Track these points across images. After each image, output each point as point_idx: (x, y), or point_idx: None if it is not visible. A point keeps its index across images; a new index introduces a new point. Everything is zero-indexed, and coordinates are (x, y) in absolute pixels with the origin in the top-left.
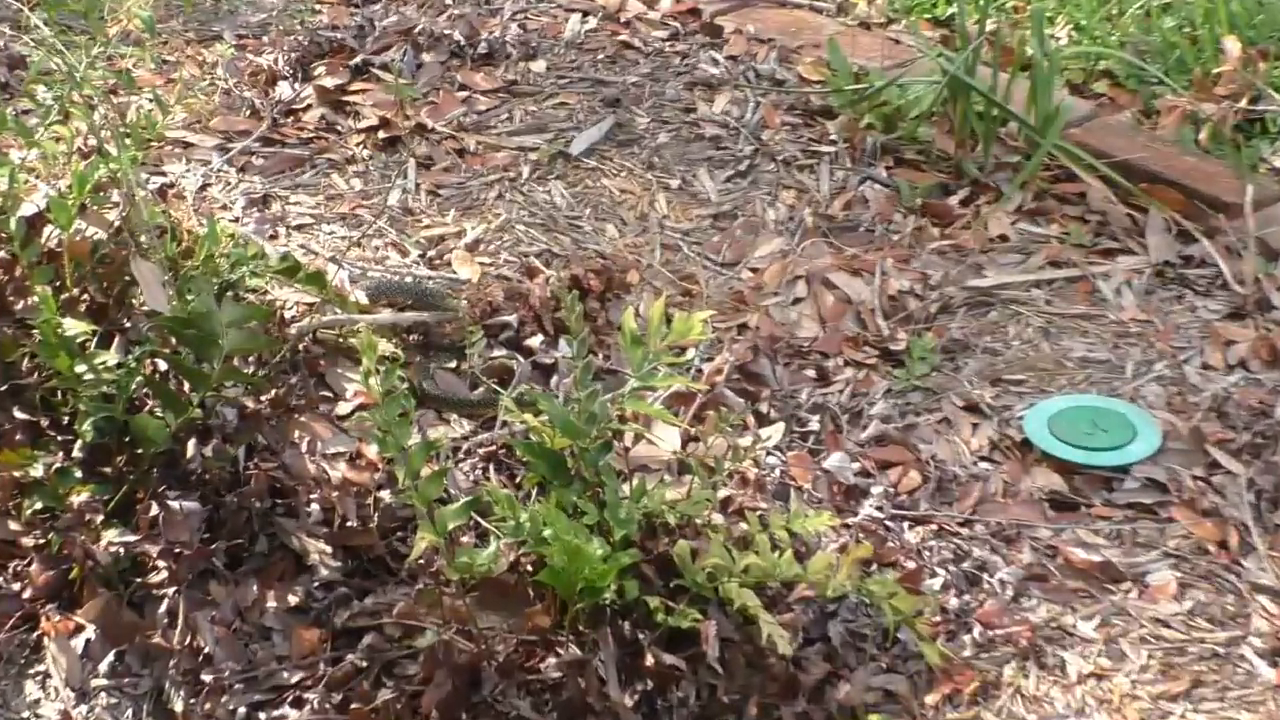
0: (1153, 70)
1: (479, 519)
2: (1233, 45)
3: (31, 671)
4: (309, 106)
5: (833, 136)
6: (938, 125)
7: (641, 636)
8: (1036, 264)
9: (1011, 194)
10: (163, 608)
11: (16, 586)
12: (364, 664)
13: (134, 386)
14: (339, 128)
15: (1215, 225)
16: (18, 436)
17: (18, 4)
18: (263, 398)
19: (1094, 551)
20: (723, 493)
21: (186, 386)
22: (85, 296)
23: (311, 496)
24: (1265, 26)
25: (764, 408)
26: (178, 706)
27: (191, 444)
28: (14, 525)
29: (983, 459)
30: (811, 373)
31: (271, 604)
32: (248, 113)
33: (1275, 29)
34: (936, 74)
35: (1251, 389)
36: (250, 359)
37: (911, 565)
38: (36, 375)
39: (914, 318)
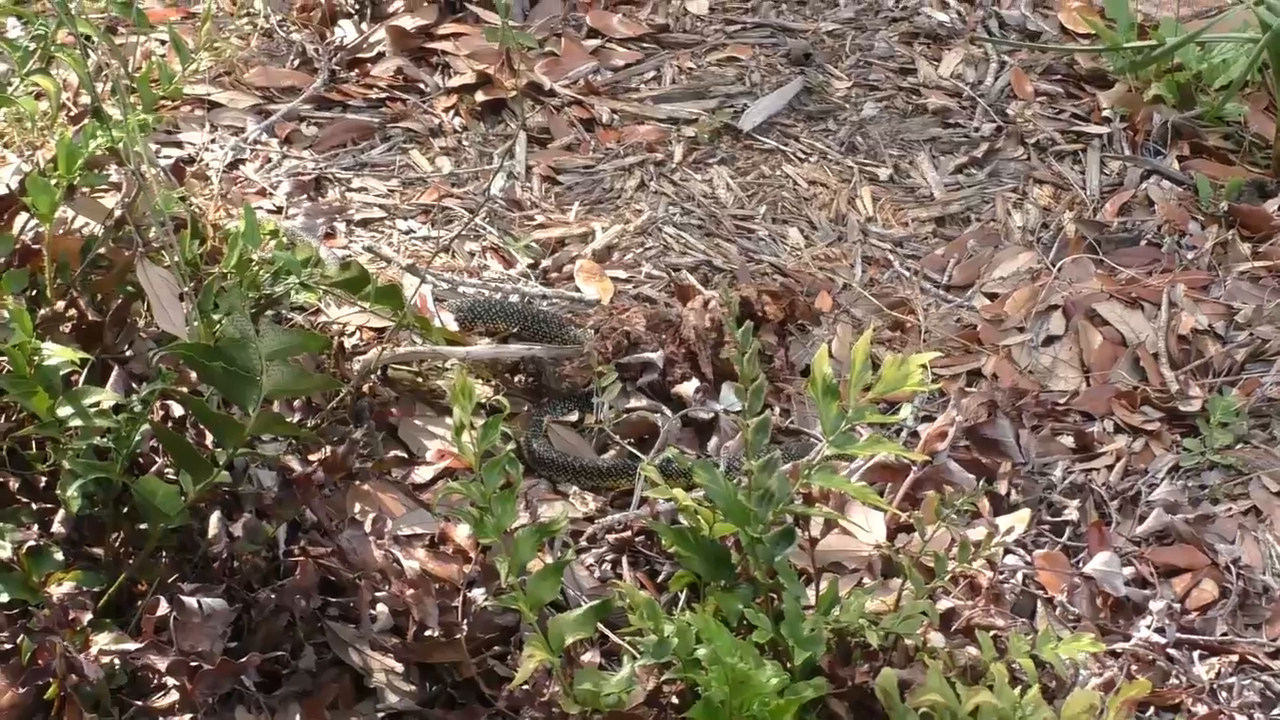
0: None
1: (607, 632)
2: None
3: None
4: (381, 56)
5: (1106, 112)
6: (1253, 101)
7: None
8: None
9: None
10: None
11: None
12: None
13: (138, 439)
14: (422, 86)
15: None
16: None
17: None
18: (313, 458)
19: None
20: (944, 604)
21: (210, 440)
22: (72, 312)
23: (377, 595)
24: None
25: (1003, 488)
26: None
27: (215, 519)
28: None
29: None
30: (1069, 441)
31: None
32: (296, 62)
33: None
34: (1253, 28)
35: None
36: (298, 404)
37: (1203, 710)
38: (4, 419)
39: (1214, 367)
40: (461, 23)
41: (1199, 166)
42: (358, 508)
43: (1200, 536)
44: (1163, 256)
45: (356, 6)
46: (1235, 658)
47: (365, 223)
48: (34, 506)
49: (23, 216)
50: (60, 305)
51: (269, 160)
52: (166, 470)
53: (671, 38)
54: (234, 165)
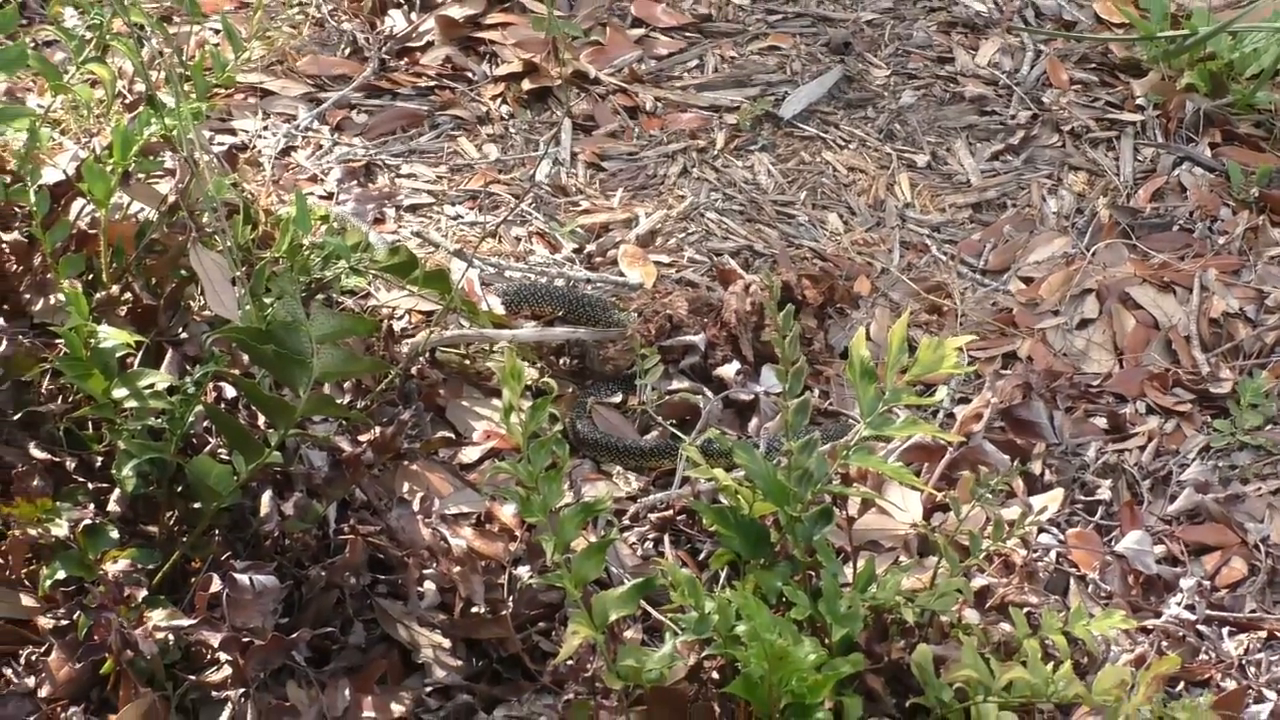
0: None
1: (649, 608)
2: None
3: None
4: (429, 45)
5: (1140, 100)
6: None
7: None
8: None
9: None
10: (225, 715)
11: (30, 682)
12: None
13: (191, 419)
14: (469, 75)
15: None
16: (35, 483)
17: None
18: (363, 438)
19: None
20: (978, 581)
21: (262, 421)
22: (127, 296)
23: (425, 572)
24: None
25: (1037, 468)
26: None
27: (266, 498)
28: (28, 601)
29: None
30: (1102, 422)
31: (369, 713)
32: (347, 51)
33: None
34: None
35: None
36: (348, 386)
37: (1232, 685)
38: (61, 400)
39: (1244, 350)
40: (508, 12)
41: (1230, 153)
42: (406, 487)
43: (1230, 515)
44: (1194, 241)
45: None
46: (1264, 634)
47: (414, 208)
48: (90, 486)
49: (79, 202)
50: (116, 289)
51: (320, 147)
52: (219, 450)
53: (714, 27)
54: (286, 152)
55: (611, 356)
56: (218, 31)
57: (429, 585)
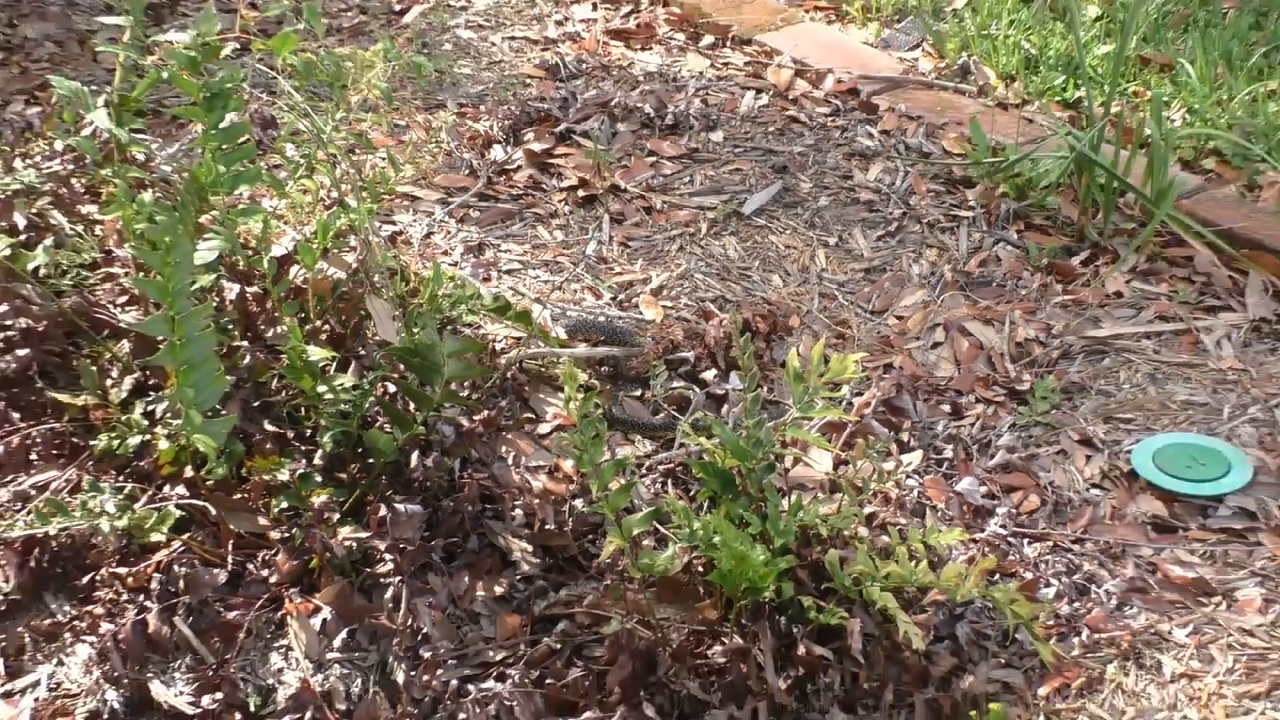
0: (1257, 150)
1: (659, 526)
2: None
3: (276, 645)
4: (519, 167)
5: (971, 203)
6: (1064, 195)
7: (795, 630)
8: (1147, 318)
9: (1127, 256)
10: (388, 594)
11: (265, 573)
12: (558, 646)
13: (367, 406)
14: (544, 186)
15: None
16: (268, 446)
17: (272, 73)
18: (476, 418)
19: (1189, 569)
20: (868, 509)
21: (412, 407)
22: (326, 327)
23: (516, 503)
24: None
25: (905, 437)
26: (399, 678)
27: (415, 456)
28: (263, 521)
29: (1094, 486)
30: (947, 408)
31: (480, 593)
32: (466, 171)
33: None
34: (1064, 150)
35: None
36: (466, 384)
37: (1029, 576)
38: (284, 394)
39: (1038, 362)
40: (570, 146)
41: (1030, 237)
42: (504, 449)
43: (1029, 467)
44: (1006, 293)
45: (503, 136)
46: (1050, 544)
47: (509, 271)
48: (303, 448)
49: (296, 268)
50: (319, 323)
51: (449, 232)
52: (385, 426)
53: (700, 155)
54: (427, 236)
55: (635, 366)
56: (384, 159)
57: (518, 511)
